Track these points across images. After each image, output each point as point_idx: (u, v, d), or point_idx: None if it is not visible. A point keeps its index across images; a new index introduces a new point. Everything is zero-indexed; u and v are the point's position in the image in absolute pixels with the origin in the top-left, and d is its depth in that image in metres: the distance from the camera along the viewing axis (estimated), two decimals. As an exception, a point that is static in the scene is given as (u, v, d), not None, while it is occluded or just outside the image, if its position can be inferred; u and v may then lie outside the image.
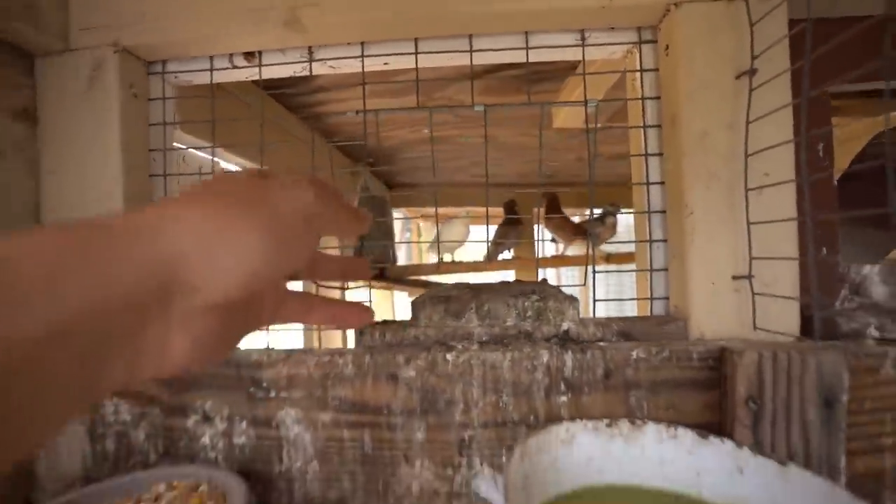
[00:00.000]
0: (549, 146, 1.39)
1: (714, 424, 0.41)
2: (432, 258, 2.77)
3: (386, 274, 1.70)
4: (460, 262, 1.87)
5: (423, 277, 1.85)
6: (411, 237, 3.34)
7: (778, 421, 0.38)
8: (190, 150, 0.72)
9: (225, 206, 0.19)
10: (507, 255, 2.11)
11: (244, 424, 0.45)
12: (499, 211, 2.05)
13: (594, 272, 0.52)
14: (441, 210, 0.68)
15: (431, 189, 2.09)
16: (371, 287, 0.58)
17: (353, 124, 1.30)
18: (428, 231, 3.38)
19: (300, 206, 0.22)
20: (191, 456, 0.46)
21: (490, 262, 1.98)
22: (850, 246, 0.79)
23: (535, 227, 1.03)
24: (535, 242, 2.08)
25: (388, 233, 1.69)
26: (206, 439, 0.46)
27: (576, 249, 1.96)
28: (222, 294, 0.19)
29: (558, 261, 1.98)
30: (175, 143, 0.58)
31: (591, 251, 0.55)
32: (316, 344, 0.71)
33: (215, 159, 0.60)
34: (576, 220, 2.04)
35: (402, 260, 2.65)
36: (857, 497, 0.29)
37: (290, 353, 0.45)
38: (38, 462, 0.48)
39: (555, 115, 1.12)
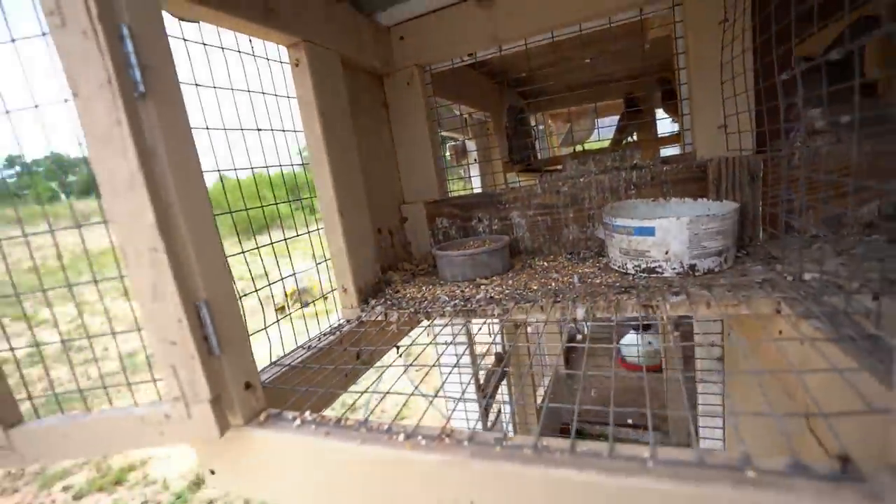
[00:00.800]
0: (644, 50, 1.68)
1: (702, 194, 0.92)
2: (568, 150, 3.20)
3: (531, 166, 2.26)
4: (589, 150, 2.32)
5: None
6: (545, 135, 3.76)
7: (726, 189, 0.88)
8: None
9: None
10: (632, 139, 2.48)
11: (496, 220, 1.10)
12: (619, 103, 2.39)
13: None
14: (572, 108, 1.20)
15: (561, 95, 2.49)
16: (519, 176, 1.16)
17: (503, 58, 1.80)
18: (561, 127, 3.76)
19: None
20: (475, 234, 1.13)
21: (614, 147, 2.38)
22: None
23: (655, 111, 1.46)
24: (655, 124, 2.40)
25: (528, 134, 2.22)
26: (481, 227, 1.12)
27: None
28: None
29: (674, 139, 2.30)
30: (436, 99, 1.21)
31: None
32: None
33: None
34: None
35: (542, 154, 3.15)
36: (731, 202, 0.81)
37: (514, 188, 1.08)
38: (410, 244, 1.21)
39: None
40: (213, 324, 0.51)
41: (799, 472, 0.31)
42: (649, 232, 0.75)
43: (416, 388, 0.70)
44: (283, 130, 0.86)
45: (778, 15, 0.67)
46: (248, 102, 0.80)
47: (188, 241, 0.49)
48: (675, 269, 0.75)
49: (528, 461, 0.37)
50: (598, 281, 0.80)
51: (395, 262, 1.14)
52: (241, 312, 0.57)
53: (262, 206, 0.83)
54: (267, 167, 0.84)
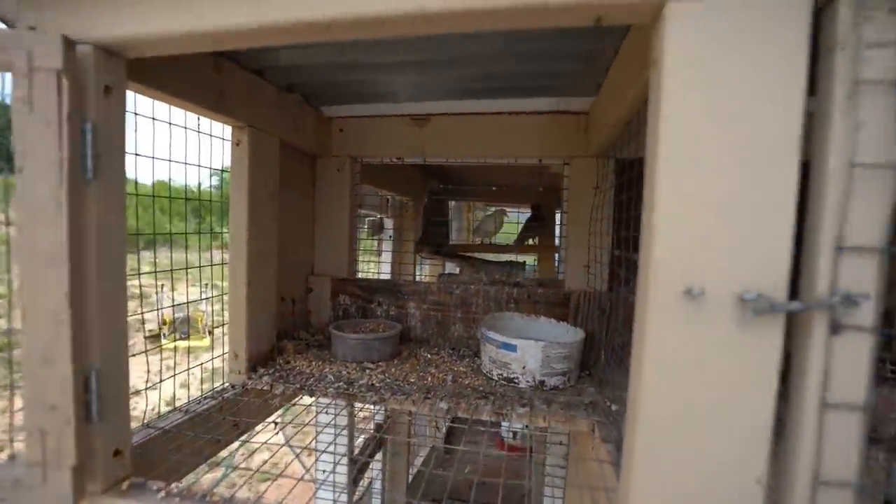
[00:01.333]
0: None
1: (565, 317, 1.12)
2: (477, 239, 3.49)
3: (441, 251, 2.45)
4: (495, 244, 2.58)
5: (468, 254, 2.58)
6: (465, 217, 4.05)
7: (582, 317, 1.08)
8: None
9: None
10: (532, 241, 2.80)
11: (394, 307, 1.21)
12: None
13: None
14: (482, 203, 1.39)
15: (476, 189, 2.78)
16: (431, 258, 1.31)
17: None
18: (475, 213, 4.08)
19: None
20: (374, 317, 1.22)
21: (518, 245, 2.67)
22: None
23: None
24: (555, 235, 2.75)
25: (444, 222, 2.43)
26: (379, 311, 1.22)
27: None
28: None
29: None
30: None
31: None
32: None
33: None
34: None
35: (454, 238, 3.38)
36: (580, 329, 1.00)
37: (414, 282, 1.20)
38: (311, 314, 1.27)
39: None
40: (99, 390, 0.54)
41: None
42: (512, 349, 0.90)
43: (307, 470, 0.74)
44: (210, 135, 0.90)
45: (625, 189, 0.90)
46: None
47: (95, 312, 0.53)
48: (528, 382, 0.90)
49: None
50: (466, 382, 0.93)
51: (294, 330, 1.19)
52: (127, 378, 0.60)
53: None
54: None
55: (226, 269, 0.96)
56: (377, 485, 2.01)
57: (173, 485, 0.55)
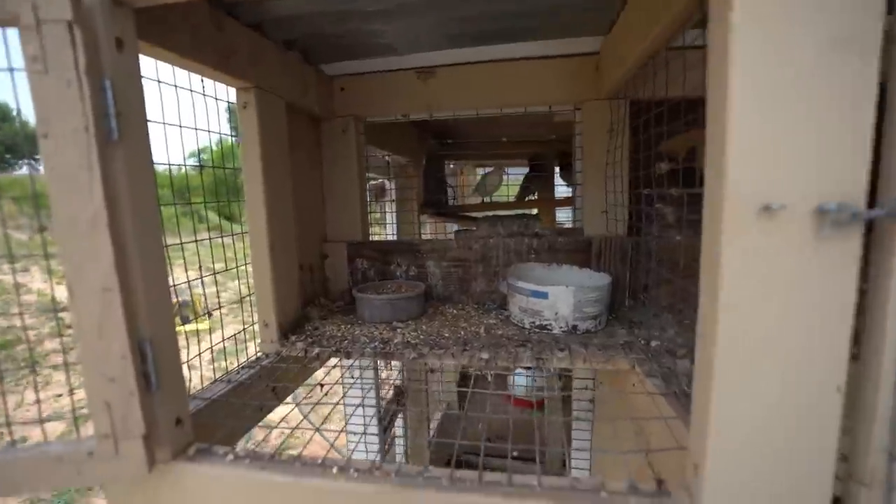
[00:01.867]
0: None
1: (586, 263, 1.12)
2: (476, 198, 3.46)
3: (442, 211, 2.42)
4: (496, 202, 2.56)
5: (467, 213, 2.56)
6: (458, 180, 4.00)
7: (604, 262, 1.09)
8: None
9: None
10: (532, 196, 2.78)
11: (413, 267, 1.20)
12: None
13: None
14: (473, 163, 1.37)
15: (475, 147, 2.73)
16: (432, 219, 1.29)
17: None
18: (471, 173, 4.03)
19: None
20: (393, 278, 1.22)
21: (518, 201, 2.66)
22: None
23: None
24: (554, 187, 2.73)
25: (443, 181, 2.40)
26: (399, 272, 1.21)
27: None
28: None
29: (570, 201, 2.64)
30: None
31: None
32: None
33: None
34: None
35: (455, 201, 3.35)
36: (605, 274, 1.01)
37: (432, 240, 1.19)
38: (329, 281, 1.26)
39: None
40: (155, 361, 0.53)
41: (633, 491, 0.44)
42: (543, 296, 0.90)
43: (317, 430, 0.75)
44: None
45: (645, 129, 0.89)
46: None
47: (140, 280, 0.52)
48: (561, 327, 0.91)
49: (444, 489, 0.46)
50: (500, 332, 0.93)
51: (314, 298, 1.18)
52: (177, 346, 0.59)
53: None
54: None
55: (216, 251, 0.93)
56: (399, 442, 2.07)
57: (238, 447, 0.56)
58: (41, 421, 0.57)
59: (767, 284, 0.40)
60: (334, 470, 0.50)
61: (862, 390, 0.41)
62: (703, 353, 0.44)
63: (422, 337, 0.92)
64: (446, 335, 0.93)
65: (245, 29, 0.85)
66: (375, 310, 1.03)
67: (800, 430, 0.41)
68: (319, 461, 0.52)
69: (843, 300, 0.39)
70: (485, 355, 0.82)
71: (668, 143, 0.95)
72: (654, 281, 0.96)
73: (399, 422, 2.05)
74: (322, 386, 0.82)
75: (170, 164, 0.84)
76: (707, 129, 0.43)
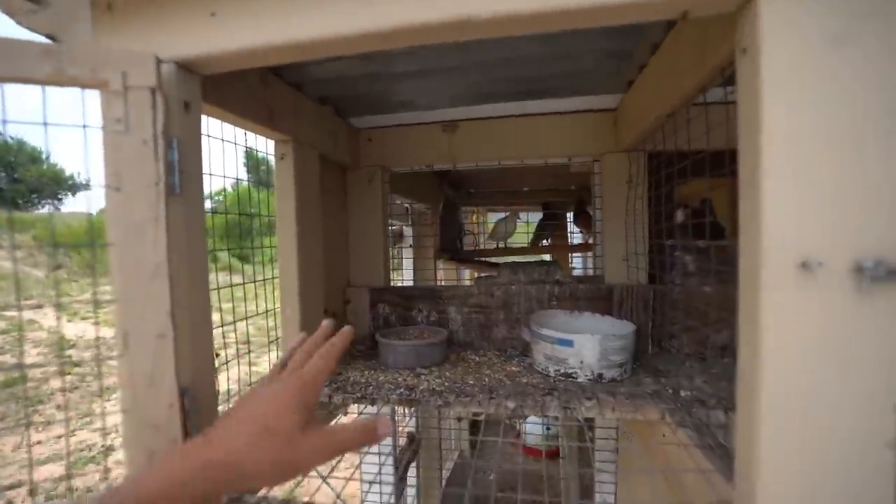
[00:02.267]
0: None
1: (607, 311, 1.12)
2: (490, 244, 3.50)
3: (457, 257, 2.45)
4: (510, 247, 2.59)
5: (482, 259, 2.59)
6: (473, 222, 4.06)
7: (626, 310, 1.09)
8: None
9: (268, 457, 0.41)
10: (546, 242, 2.81)
11: (434, 312, 1.22)
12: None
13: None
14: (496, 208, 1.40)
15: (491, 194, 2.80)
16: (446, 265, 1.31)
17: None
18: (483, 219, 4.10)
19: (313, 464, 0.44)
20: (414, 324, 1.23)
21: (532, 247, 2.69)
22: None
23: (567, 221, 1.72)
24: (568, 234, 2.77)
25: (459, 227, 2.44)
26: (420, 317, 1.22)
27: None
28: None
29: (584, 247, 2.66)
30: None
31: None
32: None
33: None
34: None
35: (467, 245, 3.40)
36: (628, 322, 1.01)
37: (454, 286, 1.21)
38: (352, 324, 1.26)
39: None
40: (194, 407, 0.54)
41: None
42: (569, 343, 0.91)
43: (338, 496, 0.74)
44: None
45: (660, 182, 0.92)
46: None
47: (188, 328, 0.54)
48: (587, 376, 0.91)
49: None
50: (524, 381, 0.93)
51: (336, 342, 1.18)
52: (216, 393, 0.60)
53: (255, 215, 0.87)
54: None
55: (236, 291, 0.95)
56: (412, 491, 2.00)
57: (269, 493, 0.55)
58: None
59: (809, 339, 0.41)
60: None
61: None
62: (746, 408, 0.44)
63: (446, 384, 0.92)
64: (471, 382, 0.93)
65: (287, 87, 0.91)
66: (399, 356, 1.03)
67: (850, 488, 0.41)
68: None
69: (887, 354, 0.40)
70: (510, 403, 0.81)
71: (681, 190, 0.98)
72: (678, 329, 0.96)
73: (412, 470, 1.99)
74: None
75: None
76: (740, 185, 0.46)
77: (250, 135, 0.91)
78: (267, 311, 0.97)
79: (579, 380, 0.91)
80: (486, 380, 0.94)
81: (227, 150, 0.93)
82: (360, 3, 0.48)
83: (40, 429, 4.61)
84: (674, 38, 0.76)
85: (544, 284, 1.17)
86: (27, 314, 6.73)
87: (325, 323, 0.54)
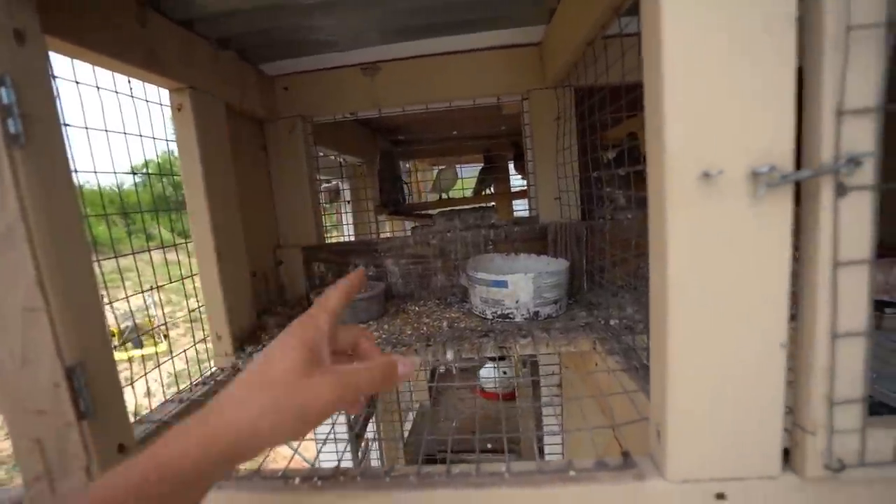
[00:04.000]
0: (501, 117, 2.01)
1: (543, 251, 1.13)
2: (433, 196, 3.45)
3: (399, 210, 2.40)
4: (453, 198, 2.56)
5: (425, 212, 2.55)
6: (411, 178, 3.98)
7: (560, 248, 1.11)
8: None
9: (267, 410, 0.33)
10: (490, 190, 2.80)
11: (372, 266, 1.18)
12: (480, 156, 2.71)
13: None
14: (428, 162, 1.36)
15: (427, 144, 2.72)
16: (388, 218, 1.28)
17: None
18: (425, 172, 4.03)
19: (324, 407, 0.35)
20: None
21: (476, 196, 2.67)
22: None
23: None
24: (509, 181, 2.77)
25: (399, 180, 2.37)
26: (357, 273, 1.19)
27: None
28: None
29: (524, 194, 2.68)
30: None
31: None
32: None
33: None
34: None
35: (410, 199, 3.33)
36: (562, 259, 1.02)
37: (390, 238, 1.17)
38: (285, 288, 1.21)
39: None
40: (86, 385, 0.49)
41: (601, 467, 0.45)
42: (503, 284, 0.91)
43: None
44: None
45: (590, 114, 0.91)
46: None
47: (66, 297, 0.47)
48: (523, 315, 0.92)
49: (413, 487, 0.45)
50: (462, 325, 0.93)
51: (270, 307, 1.13)
52: (115, 369, 0.55)
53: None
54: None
55: (171, 269, 0.88)
56: (374, 446, 2.03)
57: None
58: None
59: (712, 249, 0.41)
60: (297, 480, 0.48)
61: (801, 346, 0.43)
62: (656, 324, 0.45)
63: (384, 336, 0.90)
64: (409, 332, 0.91)
65: (173, 25, 0.80)
66: (335, 313, 1.00)
67: (750, 388, 0.43)
68: (280, 473, 0.49)
69: (780, 259, 0.41)
70: (449, 349, 0.81)
71: (610, 132, 0.98)
72: (609, 263, 0.98)
73: (372, 426, 2.01)
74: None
75: (92, 172, 0.78)
76: (646, 105, 0.44)
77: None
78: (182, 280, 0.89)
79: (516, 319, 0.92)
80: (425, 328, 0.93)
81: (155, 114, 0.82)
82: None
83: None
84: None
85: (479, 229, 1.15)
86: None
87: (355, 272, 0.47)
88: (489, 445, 2.58)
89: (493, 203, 2.69)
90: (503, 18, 1.02)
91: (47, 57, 0.49)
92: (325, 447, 1.28)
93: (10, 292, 0.44)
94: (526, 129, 1.18)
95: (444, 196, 2.56)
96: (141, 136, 0.80)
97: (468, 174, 3.09)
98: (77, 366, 0.48)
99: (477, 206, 2.09)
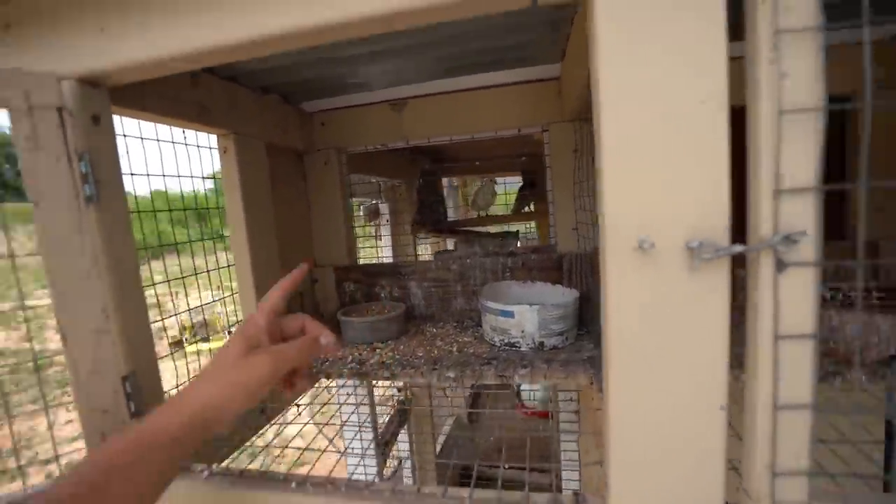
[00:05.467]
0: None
1: (559, 280, 1.16)
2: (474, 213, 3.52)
3: (438, 228, 2.48)
4: (492, 216, 2.61)
5: (466, 228, 2.62)
6: (459, 192, 4.06)
7: (576, 277, 1.13)
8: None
9: (221, 385, 0.47)
10: (529, 208, 2.82)
11: (396, 288, 1.26)
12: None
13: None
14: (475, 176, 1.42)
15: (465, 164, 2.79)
16: (430, 236, 1.35)
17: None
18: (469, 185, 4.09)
19: (262, 377, 0.49)
20: (378, 299, 1.28)
21: (514, 214, 2.70)
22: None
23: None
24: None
25: (440, 199, 2.46)
26: (383, 293, 1.28)
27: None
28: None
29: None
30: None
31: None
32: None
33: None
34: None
35: (451, 215, 3.41)
36: (574, 290, 1.05)
37: (413, 262, 1.25)
38: (320, 304, 1.32)
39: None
40: (137, 390, 0.60)
41: (554, 501, 0.49)
42: (510, 314, 0.95)
43: (330, 441, 0.81)
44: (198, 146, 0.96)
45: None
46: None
47: (124, 322, 0.59)
48: (529, 345, 0.96)
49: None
50: (471, 351, 0.98)
51: (303, 322, 1.24)
52: (158, 376, 0.66)
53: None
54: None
55: (233, 272, 1.01)
56: (407, 463, 2.10)
57: (214, 465, 0.62)
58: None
59: (650, 315, 0.44)
60: (308, 487, 0.56)
61: (746, 413, 0.45)
62: (604, 373, 0.49)
63: (397, 357, 0.97)
64: (420, 354, 0.98)
65: (220, 81, 0.93)
66: (357, 332, 1.09)
67: (690, 447, 0.45)
68: (288, 479, 0.58)
69: (718, 326, 0.44)
70: (451, 374, 0.87)
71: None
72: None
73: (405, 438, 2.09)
74: (297, 406, 0.89)
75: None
76: (595, 169, 0.49)
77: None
78: (223, 298, 1.02)
79: (521, 349, 0.96)
80: (436, 351, 1.00)
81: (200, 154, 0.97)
82: (234, 16, 0.50)
83: (69, 409, 4.88)
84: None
85: (498, 257, 1.20)
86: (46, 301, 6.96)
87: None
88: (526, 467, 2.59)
89: (532, 222, 2.71)
90: (525, 58, 1.07)
91: (114, 133, 0.61)
92: (352, 460, 1.36)
93: (85, 318, 0.56)
94: (546, 160, 1.22)
95: (484, 213, 2.62)
96: (204, 178, 0.93)
97: (511, 186, 3.12)
98: (130, 375, 0.60)
99: (504, 231, 2.13)
